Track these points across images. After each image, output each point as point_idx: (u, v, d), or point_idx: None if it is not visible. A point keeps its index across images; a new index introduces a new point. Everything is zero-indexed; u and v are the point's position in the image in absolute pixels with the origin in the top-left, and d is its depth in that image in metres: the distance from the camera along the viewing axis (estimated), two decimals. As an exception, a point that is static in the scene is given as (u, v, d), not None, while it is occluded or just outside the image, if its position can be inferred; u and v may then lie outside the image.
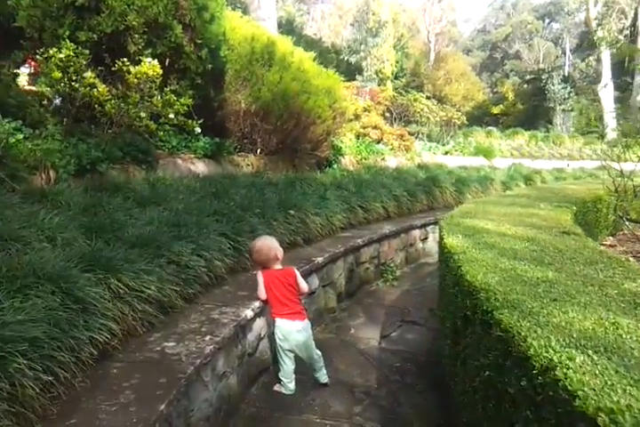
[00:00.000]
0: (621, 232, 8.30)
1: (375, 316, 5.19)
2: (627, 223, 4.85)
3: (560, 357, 1.45)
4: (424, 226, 7.69)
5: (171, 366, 2.46)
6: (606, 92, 28.46)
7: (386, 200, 7.35)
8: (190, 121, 5.95)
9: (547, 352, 1.48)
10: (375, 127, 11.31)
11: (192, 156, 6.35)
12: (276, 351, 3.46)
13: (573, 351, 1.48)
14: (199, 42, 6.39)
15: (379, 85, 20.91)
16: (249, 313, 3.27)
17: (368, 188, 7.31)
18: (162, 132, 5.75)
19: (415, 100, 14.52)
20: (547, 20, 59.72)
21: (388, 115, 13.91)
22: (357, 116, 10.95)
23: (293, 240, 5.15)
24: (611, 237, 7.29)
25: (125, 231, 3.47)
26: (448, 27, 51.92)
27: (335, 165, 8.87)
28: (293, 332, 3.34)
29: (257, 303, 3.43)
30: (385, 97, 14.27)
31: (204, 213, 4.36)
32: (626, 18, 28.45)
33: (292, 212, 5.29)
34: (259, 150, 7.61)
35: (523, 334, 1.64)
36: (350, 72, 10.07)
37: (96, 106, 5.17)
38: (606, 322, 1.74)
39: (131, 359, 2.54)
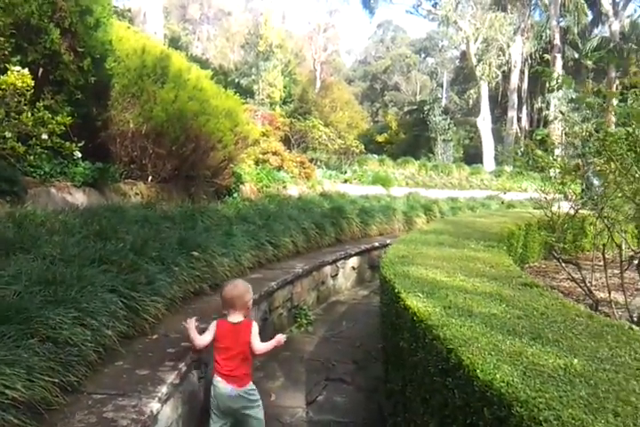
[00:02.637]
0: (527, 265, 8.30)
1: (296, 374, 4.45)
2: (562, 265, 4.59)
3: None
4: (335, 262, 7.11)
5: None
6: (484, 124, 30.17)
7: (295, 234, 6.68)
8: (68, 143, 4.97)
9: None
10: (275, 153, 10.71)
11: (69, 184, 5.32)
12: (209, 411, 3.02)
13: None
14: (81, 50, 5.45)
15: (273, 110, 20.44)
16: (155, 406, 2.41)
17: (276, 220, 6.60)
18: (32, 156, 4.71)
19: (314, 126, 14.15)
20: (423, 55, 63.45)
21: (286, 140, 13.40)
22: (256, 141, 10.30)
23: (199, 288, 4.32)
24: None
25: (-23, 295, 2.50)
26: (333, 56, 53.39)
27: (236, 194, 8.09)
28: (225, 397, 2.94)
29: (164, 388, 2.57)
30: (283, 122, 13.76)
31: (86, 260, 3.42)
32: (504, 54, 30.53)
33: (195, 253, 4.45)
34: (149, 177, 6.67)
35: None
36: (241, 95, 9.47)
37: (-54, 123, 4.08)
38: None
39: None
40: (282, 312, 5.40)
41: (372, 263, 8.27)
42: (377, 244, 8.49)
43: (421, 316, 2.35)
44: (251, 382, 3.06)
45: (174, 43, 31.56)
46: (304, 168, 11.29)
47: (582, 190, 5.39)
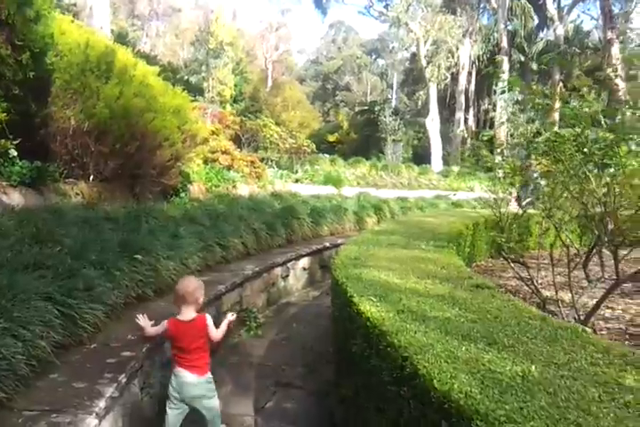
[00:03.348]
0: (474, 264, 8.41)
1: (244, 380, 4.34)
2: (511, 264, 4.64)
3: None
4: (285, 263, 7.02)
5: None
6: (433, 124, 30.64)
7: (245, 235, 6.55)
8: (3, 140, 4.69)
9: None
10: (225, 152, 10.50)
11: (5, 184, 5.04)
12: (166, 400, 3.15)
13: None
14: (19, 44, 5.15)
15: (223, 108, 20.13)
16: (92, 422, 2.27)
17: (225, 221, 6.45)
18: (-38, 155, 4.42)
19: (265, 125, 13.98)
20: (374, 56, 64.11)
21: (236, 139, 13.18)
22: (205, 140, 10.07)
23: (142, 293, 4.14)
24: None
25: None
26: (284, 55, 53.25)
27: (184, 194, 7.88)
28: (187, 385, 3.07)
29: (102, 402, 2.43)
30: (234, 120, 13.54)
31: (20, 265, 3.21)
32: (453, 56, 31.09)
33: (138, 257, 4.27)
34: (91, 176, 6.39)
35: None
36: (190, 92, 9.23)
37: None
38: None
39: None
40: (231, 316, 5.27)
41: (323, 264, 8.22)
42: (328, 244, 8.45)
43: (375, 321, 2.30)
44: (209, 372, 3.21)
45: (122, 38, 30.76)
46: (255, 168, 11.14)
47: (521, 188, 5.47)
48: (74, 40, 6.26)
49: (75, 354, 3.00)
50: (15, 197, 5.14)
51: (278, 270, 6.82)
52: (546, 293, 5.46)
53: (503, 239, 4.51)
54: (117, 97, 6.21)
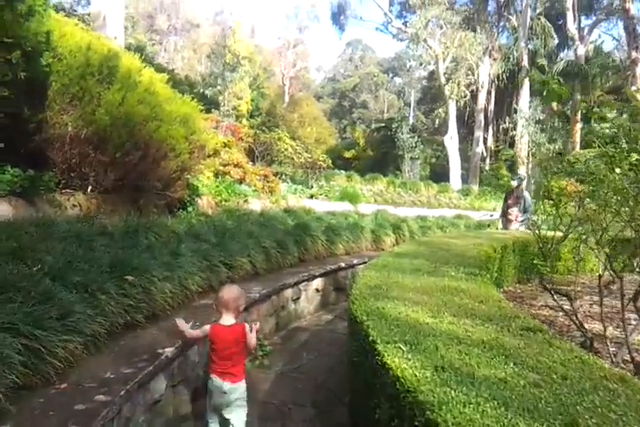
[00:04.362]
0: (502, 290, 7.80)
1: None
2: (554, 297, 4.07)
3: None
4: (297, 284, 6.48)
5: None
6: (452, 143, 30.11)
7: (254, 254, 6.03)
8: (-13, 147, 4.27)
9: None
10: (237, 165, 10.05)
11: (-9, 193, 4.60)
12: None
13: None
14: (9, 41, 4.75)
15: (239, 122, 19.78)
16: None
17: (233, 238, 5.95)
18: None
19: (279, 139, 13.55)
20: (390, 75, 64.10)
21: (249, 153, 12.76)
22: (217, 152, 9.64)
23: (131, 319, 3.62)
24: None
25: None
26: (302, 72, 53.32)
27: (191, 208, 7.41)
28: (219, 391, 3.19)
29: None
30: (247, 133, 13.13)
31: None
32: (472, 74, 30.64)
33: (130, 278, 3.76)
34: (90, 187, 5.95)
35: None
36: (205, 106, 8.93)
37: None
38: None
39: None
40: (234, 344, 4.73)
41: (337, 285, 7.68)
42: (343, 264, 7.92)
43: (408, 384, 1.73)
44: (244, 380, 3.32)
45: (139, 51, 30.84)
46: (268, 182, 10.67)
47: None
48: (75, 43, 5.86)
49: (38, 397, 2.48)
50: (4, 208, 4.70)
51: (289, 292, 6.29)
52: (585, 325, 4.87)
53: (547, 269, 3.94)
54: (120, 103, 5.79)
